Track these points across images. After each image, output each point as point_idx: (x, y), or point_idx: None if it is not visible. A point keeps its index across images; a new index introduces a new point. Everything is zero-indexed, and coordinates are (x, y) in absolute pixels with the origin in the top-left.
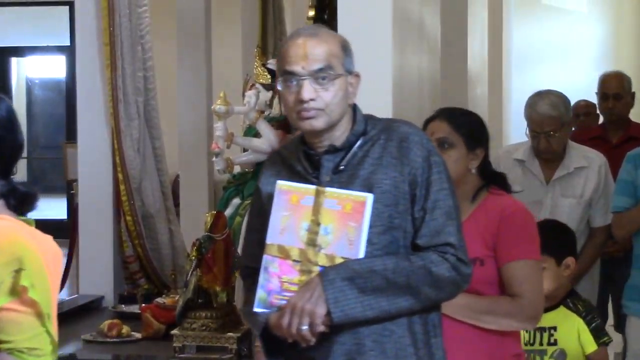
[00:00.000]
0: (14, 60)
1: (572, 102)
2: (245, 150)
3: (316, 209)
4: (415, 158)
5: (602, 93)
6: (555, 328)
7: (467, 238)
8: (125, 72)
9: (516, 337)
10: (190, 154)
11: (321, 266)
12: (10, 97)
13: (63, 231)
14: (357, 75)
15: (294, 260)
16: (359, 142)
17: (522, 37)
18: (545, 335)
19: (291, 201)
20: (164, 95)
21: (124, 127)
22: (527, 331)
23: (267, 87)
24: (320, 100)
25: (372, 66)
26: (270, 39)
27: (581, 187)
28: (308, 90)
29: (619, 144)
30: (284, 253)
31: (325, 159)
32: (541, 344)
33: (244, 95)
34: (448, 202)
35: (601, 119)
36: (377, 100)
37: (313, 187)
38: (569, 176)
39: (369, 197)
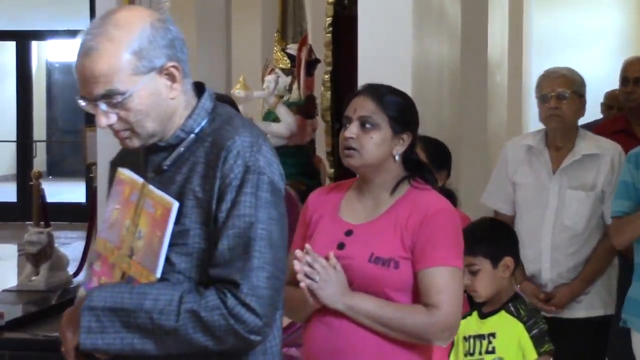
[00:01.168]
0: (34, 44)
1: (593, 91)
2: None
3: (139, 207)
4: (227, 172)
5: (623, 77)
6: (494, 334)
7: (382, 235)
8: None
9: (426, 354)
10: None
11: (130, 276)
12: (31, 81)
13: (82, 215)
14: (174, 66)
15: (113, 262)
16: (188, 141)
17: (543, 25)
18: (484, 343)
19: (124, 194)
20: None
21: None
22: (466, 340)
23: (287, 72)
24: (123, 122)
25: (392, 53)
26: (290, 24)
27: (592, 178)
28: (105, 118)
29: None
30: (107, 251)
31: (152, 154)
32: (480, 352)
33: (263, 80)
34: (250, 233)
35: None
36: (396, 86)
37: (140, 181)
38: (577, 165)
39: (175, 205)
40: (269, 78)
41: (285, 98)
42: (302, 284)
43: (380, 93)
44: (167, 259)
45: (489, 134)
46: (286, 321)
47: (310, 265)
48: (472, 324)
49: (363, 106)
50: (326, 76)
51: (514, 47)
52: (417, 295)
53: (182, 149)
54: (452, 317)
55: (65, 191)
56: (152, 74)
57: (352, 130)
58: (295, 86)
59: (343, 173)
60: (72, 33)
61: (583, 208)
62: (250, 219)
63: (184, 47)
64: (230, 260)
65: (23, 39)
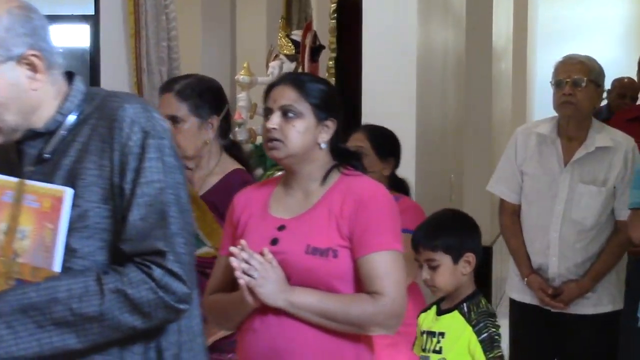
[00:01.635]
0: None
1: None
2: None
3: (15, 207)
4: (125, 141)
5: None
6: (443, 334)
7: (317, 225)
8: (149, 41)
9: (371, 347)
10: None
11: (18, 279)
12: None
13: None
14: (35, 55)
15: None
16: (69, 123)
17: (548, 13)
18: (434, 341)
19: None
20: (187, 66)
21: (148, 96)
22: (422, 334)
23: (291, 58)
24: None
25: (397, 40)
26: (295, 10)
27: (604, 172)
28: None
29: None
30: None
31: (27, 145)
32: (429, 350)
33: (267, 66)
34: (162, 198)
35: None
36: (401, 73)
37: (14, 180)
38: (590, 158)
39: (67, 192)
40: (274, 64)
41: None
42: (241, 282)
43: (301, 81)
44: (67, 247)
45: (494, 122)
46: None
47: (247, 262)
48: (429, 319)
49: (284, 95)
50: (330, 62)
51: (518, 35)
52: (360, 284)
53: (64, 132)
54: (398, 303)
55: None
56: (10, 63)
57: (273, 120)
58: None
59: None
60: (76, 18)
61: (593, 203)
62: (160, 184)
63: (48, 35)
64: (147, 230)
65: None
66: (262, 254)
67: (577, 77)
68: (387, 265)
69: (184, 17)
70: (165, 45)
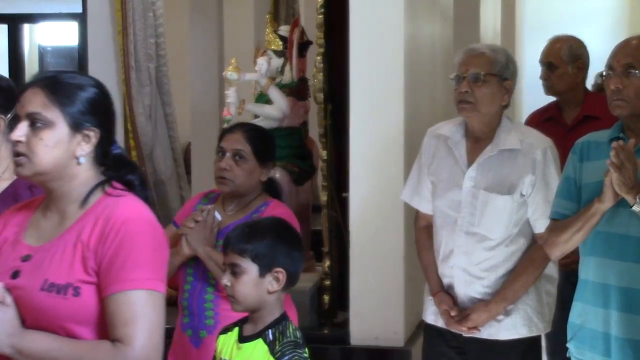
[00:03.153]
0: (26, 27)
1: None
2: (256, 116)
3: None
4: None
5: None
6: None
7: (60, 256)
8: (136, 38)
9: None
10: (201, 120)
11: None
12: (23, 65)
13: None
14: None
15: None
16: None
17: (535, 6)
18: None
19: None
20: (175, 62)
21: (136, 93)
22: None
23: (279, 53)
24: None
25: (384, 35)
26: (282, 5)
27: (511, 178)
28: None
29: (573, 125)
30: None
31: None
32: None
33: (255, 62)
34: None
35: None
36: (389, 68)
37: None
38: (494, 162)
39: None
40: (261, 60)
41: (277, 80)
42: None
43: (53, 83)
44: None
45: None
46: None
47: None
48: (229, 345)
49: (32, 100)
50: (318, 58)
51: (506, 27)
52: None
53: None
54: (145, 355)
55: None
56: None
57: (19, 132)
58: (287, 68)
59: (337, 155)
60: (65, 16)
61: (499, 213)
62: None
63: None
64: None
65: (14, 22)
66: None
67: (475, 71)
68: (135, 309)
69: (171, 14)
70: (153, 42)
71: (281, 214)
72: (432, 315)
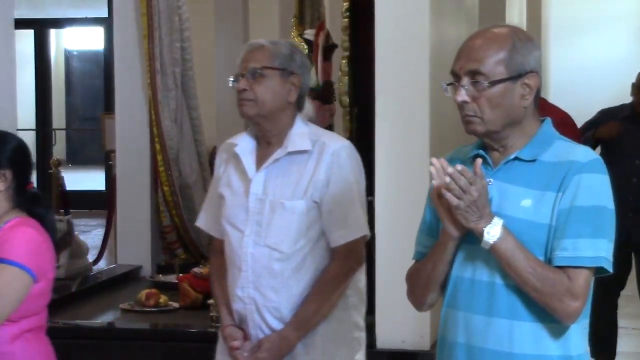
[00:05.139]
0: (52, 32)
1: (614, 74)
2: None
3: None
4: None
5: None
6: None
7: None
8: (162, 42)
9: None
10: (227, 125)
11: None
12: (50, 69)
13: (101, 202)
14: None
15: None
16: None
17: (561, 8)
18: None
19: None
20: (201, 66)
21: (162, 97)
22: None
23: None
24: None
25: (410, 37)
26: (308, 9)
27: (302, 182)
28: None
29: None
30: None
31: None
32: None
33: None
34: None
35: None
36: (415, 71)
37: None
38: (283, 166)
39: None
40: None
41: None
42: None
43: None
44: None
45: None
46: None
47: None
48: None
49: None
50: (344, 61)
51: (532, 30)
52: None
53: None
54: None
55: (85, 179)
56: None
57: None
58: (312, 71)
59: (362, 159)
60: (90, 21)
61: (288, 223)
62: None
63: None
64: None
65: (41, 27)
66: None
67: (253, 66)
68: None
69: (196, 18)
70: (179, 46)
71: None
72: (220, 355)
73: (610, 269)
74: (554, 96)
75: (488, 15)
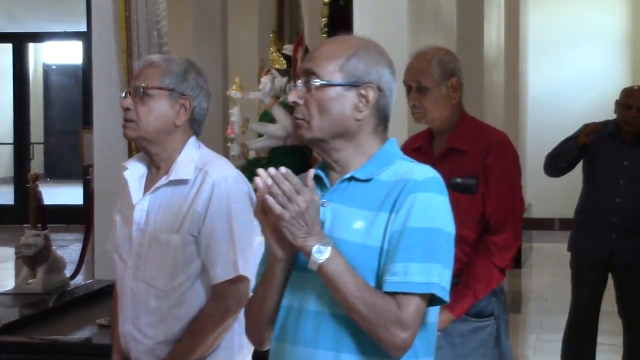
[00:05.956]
0: (31, 46)
1: (590, 89)
2: (260, 135)
3: None
4: None
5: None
6: None
7: None
8: (141, 57)
9: None
10: (205, 139)
11: None
12: (28, 83)
13: (79, 217)
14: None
15: None
16: None
17: (539, 23)
18: None
19: None
20: None
21: None
22: None
23: (283, 72)
24: None
25: (388, 52)
26: (286, 24)
27: (181, 213)
28: None
29: (440, 156)
30: None
31: None
32: None
33: (259, 81)
34: None
35: None
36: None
37: None
38: (167, 195)
39: None
40: (265, 79)
41: (281, 99)
42: None
43: None
44: None
45: None
46: None
47: None
48: None
49: None
50: None
51: (510, 45)
52: None
53: None
54: None
55: (63, 193)
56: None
57: None
58: (291, 87)
59: None
60: (69, 35)
61: (164, 257)
62: None
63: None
64: None
65: (20, 41)
66: None
67: (139, 84)
68: None
69: (175, 33)
70: None
71: None
72: None
73: (446, 298)
74: (532, 111)
75: (466, 31)
